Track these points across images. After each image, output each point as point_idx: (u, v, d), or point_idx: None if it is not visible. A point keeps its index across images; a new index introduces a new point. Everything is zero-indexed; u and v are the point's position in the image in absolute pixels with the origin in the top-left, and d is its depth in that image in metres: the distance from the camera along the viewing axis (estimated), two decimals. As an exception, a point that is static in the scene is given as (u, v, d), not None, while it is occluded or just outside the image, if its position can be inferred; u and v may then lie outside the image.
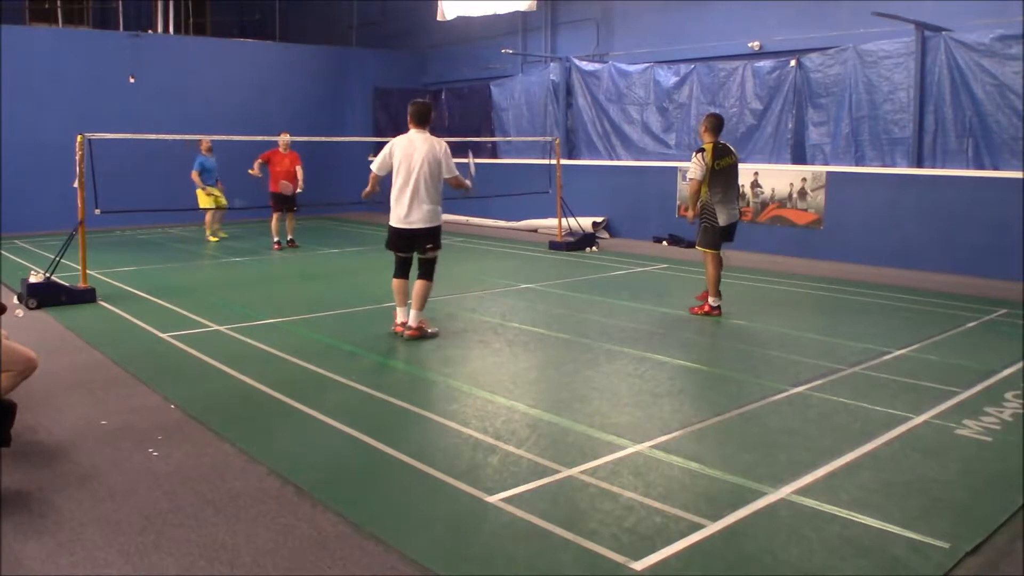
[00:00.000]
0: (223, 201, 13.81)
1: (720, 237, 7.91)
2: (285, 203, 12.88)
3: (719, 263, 7.95)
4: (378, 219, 18.64)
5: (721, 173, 7.77)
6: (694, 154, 7.79)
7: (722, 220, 7.84)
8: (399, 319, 7.15)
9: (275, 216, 13.03)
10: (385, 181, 7.08)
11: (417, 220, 6.83)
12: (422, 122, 6.86)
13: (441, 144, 6.86)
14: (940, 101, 11.19)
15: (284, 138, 12.88)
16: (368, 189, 7.21)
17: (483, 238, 14.97)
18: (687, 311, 8.19)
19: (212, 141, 13.31)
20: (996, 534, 3.53)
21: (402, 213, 6.83)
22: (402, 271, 7.14)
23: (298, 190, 12.83)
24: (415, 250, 7.02)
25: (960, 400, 5.35)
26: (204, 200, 13.68)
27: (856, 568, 3.23)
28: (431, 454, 4.39)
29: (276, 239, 13.02)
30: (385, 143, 7.09)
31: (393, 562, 3.29)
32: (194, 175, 13.51)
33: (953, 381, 5.75)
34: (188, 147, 13.74)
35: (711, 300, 8.02)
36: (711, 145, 7.75)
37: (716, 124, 7.84)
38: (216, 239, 14.04)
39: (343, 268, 11.27)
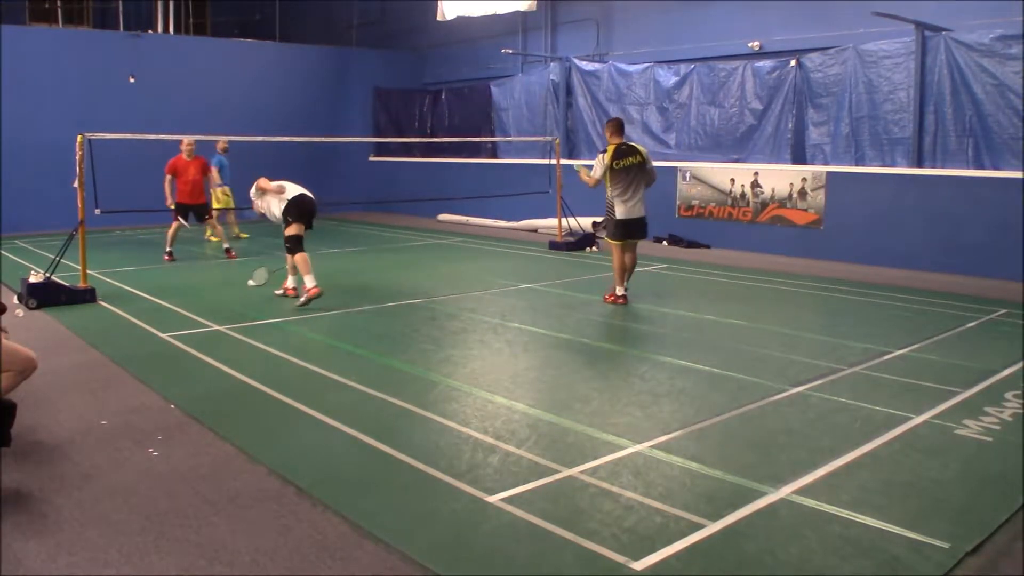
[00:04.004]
0: (231, 202, 13.84)
1: (621, 230, 8.43)
2: (193, 211, 11.88)
3: (623, 255, 8.45)
4: (379, 219, 18.66)
5: (621, 172, 8.33)
6: (598, 153, 8.50)
7: (619, 214, 8.40)
8: (312, 283, 8.18)
9: (175, 224, 11.75)
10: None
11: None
12: None
13: None
14: (940, 101, 11.19)
15: (187, 142, 11.69)
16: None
17: (483, 238, 14.97)
18: (683, 311, 8.19)
19: (227, 141, 13.23)
20: (996, 534, 3.53)
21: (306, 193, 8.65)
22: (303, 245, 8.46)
23: (213, 199, 12.18)
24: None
25: (960, 400, 5.35)
26: (219, 200, 13.61)
27: (856, 568, 3.23)
28: (431, 454, 4.39)
29: (169, 249, 11.73)
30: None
31: (393, 562, 3.29)
32: (214, 172, 13.23)
33: (953, 381, 5.75)
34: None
35: (617, 289, 8.56)
36: (613, 147, 8.37)
37: (616, 127, 8.54)
38: (217, 239, 13.95)
39: (343, 268, 11.26)
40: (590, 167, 8.63)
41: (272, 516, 3.69)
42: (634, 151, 8.40)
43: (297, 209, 8.39)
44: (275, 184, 8.54)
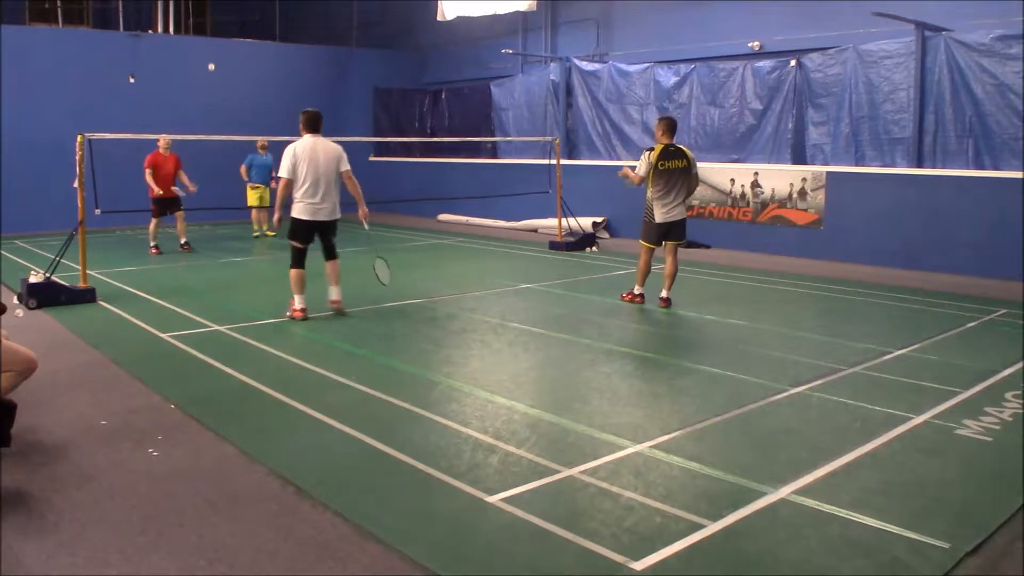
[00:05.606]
0: (266, 200, 14.02)
1: (656, 233, 8.28)
2: (169, 206, 12.37)
3: (651, 257, 8.40)
4: (379, 219, 18.64)
5: (664, 173, 8.12)
6: (643, 151, 8.30)
7: (658, 217, 8.22)
8: (299, 305, 7.72)
9: (154, 221, 12.43)
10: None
11: (325, 214, 7.61)
12: (317, 128, 7.61)
13: (336, 146, 7.66)
14: (940, 101, 11.19)
15: (164, 140, 12.04)
16: (280, 201, 7.63)
17: (483, 238, 14.97)
18: (683, 311, 8.19)
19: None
20: (996, 534, 3.53)
21: (314, 208, 7.54)
22: (303, 262, 7.71)
23: (192, 190, 12.31)
24: (314, 240, 7.73)
25: (960, 400, 5.35)
26: (250, 198, 14.14)
27: (856, 568, 3.23)
28: (431, 454, 4.39)
29: (154, 243, 12.41)
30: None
31: (393, 562, 3.29)
32: (242, 169, 14.06)
33: (953, 381, 5.75)
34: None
35: (636, 288, 8.56)
36: (661, 146, 8.17)
37: (668, 127, 8.27)
38: (272, 234, 14.12)
39: (343, 268, 11.23)
40: (633, 168, 8.38)
41: (272, 516, 3.69)
42: (681, 155, 8.15)
43: (295, 231, 7.65)
44: (291, 157, 7.40)
